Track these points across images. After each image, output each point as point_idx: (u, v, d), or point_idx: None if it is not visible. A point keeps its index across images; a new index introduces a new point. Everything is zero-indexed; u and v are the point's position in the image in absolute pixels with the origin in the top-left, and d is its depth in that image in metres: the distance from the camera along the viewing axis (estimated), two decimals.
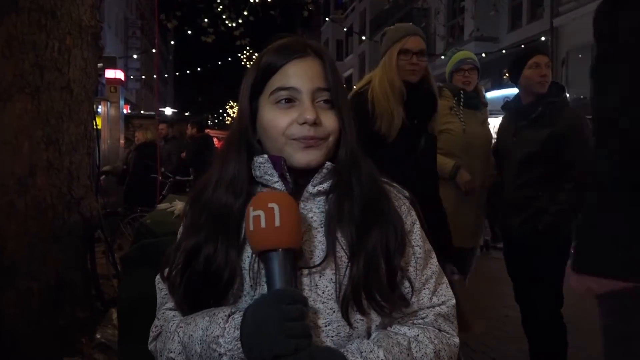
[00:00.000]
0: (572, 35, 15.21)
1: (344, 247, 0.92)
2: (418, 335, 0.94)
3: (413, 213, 1.03)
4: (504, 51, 17.46)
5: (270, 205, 0.84)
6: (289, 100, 0.95)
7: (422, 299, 0.98)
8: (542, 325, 3.04)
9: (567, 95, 11.96)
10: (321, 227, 0.95)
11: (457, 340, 1.00)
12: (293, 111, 0.94)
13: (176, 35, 28.85)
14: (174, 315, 0.98)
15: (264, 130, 0.97)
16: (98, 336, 3.20)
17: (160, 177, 6.14)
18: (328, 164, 0.96)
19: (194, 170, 7.43)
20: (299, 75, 0.95)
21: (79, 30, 3.25)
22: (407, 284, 0.95)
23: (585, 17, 14.22)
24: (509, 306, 4.86)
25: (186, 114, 31.89)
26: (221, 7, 9.64)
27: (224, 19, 9.81)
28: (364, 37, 28.26)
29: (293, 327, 0.80)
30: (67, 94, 3.20)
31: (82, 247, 3.47)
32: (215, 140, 18.34)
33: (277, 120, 0.95)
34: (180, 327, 0.92)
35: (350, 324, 0.90)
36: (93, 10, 3.39)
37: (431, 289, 0.99)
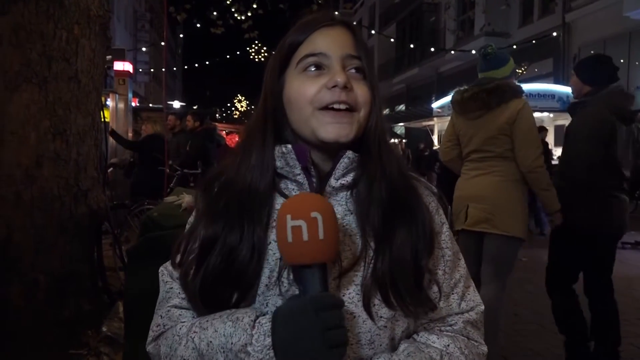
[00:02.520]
0: (584, 30, 15.04)
1: (371, 244, 0.86)
2: (449, 345, 0.89)
3: (441, 212, 0.97)
4: (514, 46, 17.31)
5: (313, 214, 0.74)
6: (318, 67, 0.88)
7: (451, 304, 0.93)
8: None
9: None
10: (342, 227, 0.87)
11: (485, 348, 0.94)
12: (322, 78, 0.87)
13: (185, 28, 28.83)
14: (180, 315, 0.90)
15: (290, 103, 0.89)
16: (104, 329, 3.18)
17: (167, 170, 6.11)
18: (349, 152, 0.88)
19: (202, 163, 7.40)
20: (327, 41, 0.88)
21: (87, 20, 3.22)
22: (435, 288, 0.89)
23: (598, 13, 14.06)
24: (519, 305, 4.81)
25: (194, 107, 31.97)
26: (230, 0, 9.61)
27: (233, 12, 9.77)
28: (373, 32, 28.11)
29: (334, 336, 0.73)
30: (74, 84, 3.17)
31: (89, 239, 3.45)
32: (222, 133, 18.38)
33: (304, 87, 0.87)
34: (194, 331, 0.83)
35: (372, 319, 0.84)
36: (101, 0, 3.36)
37: (460, 294, 0.94)
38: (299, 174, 0.88)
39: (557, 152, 14.26)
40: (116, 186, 7.70)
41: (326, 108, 0.86)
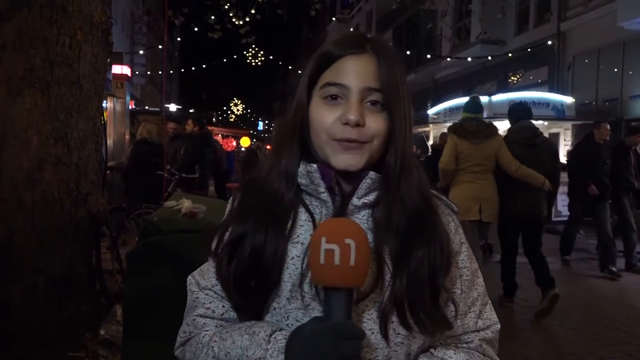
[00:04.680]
0: (578, 39, 15.17)
1: (388, 264, 0.88)
2: None
3: (461, 231, 0.98)
4: (510, 54, 17.43)
5: (347, 241, 0.77)
6: (336, 97, 0.90)
7: (468, 323, 0.95)
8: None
9: (573, 100, 12.03)
10: None
11: None
12: (338, 109, 0.89)
13: (182, 31, 28.86)
14: (205, 324, 0.94)
15: (312, 124, 0.92)
16: (102, 332, 3.20)
17: (166, 175, 6.14)
18: (372, 173, 0.90)
19: (200, 167, 7.42)
20: (350, 72, 0.90)
21: (90, 26, 3.26)
22: (452, 307, 0.91)
23: (592, 23, 14.19)
24: (510, 311, 4.87)
25: (190, 110, 31.93)
26: (228, 4, 9.64)
27: (231, 17, 9.80)
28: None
29: None
30: (76, 89, 3.21)
31: (88, 242, 3.48)
32: (218, 137, 18.37)
33: (321, 116, 0.90)
34: (215, 341, 0.88)
35: (387, 341, 0.86)
36: (104, 6, 3.40)
37: (477, 312, 0.96)
38: (323, 192, 0.91)
39: None
40: (113, 189, 7.71)
41: (337, 140, 0.89)
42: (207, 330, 0.92)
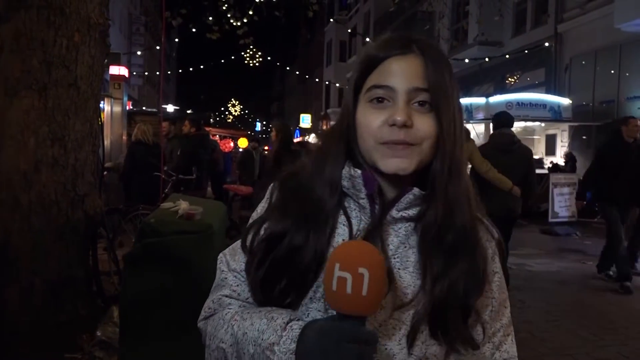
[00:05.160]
0: (575, 41, 15.22)
1: (429, 277, 0.87)
2: None
3: (497, 259, 0.96)
4: (507, 56, 17.47)
5: (360, 270, 0.75)
6: (382, 100, 0.88)
7: (484, 353, 0.93)
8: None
9: (570, 101, 12.16)
10: (394, 259, 0.89)
11: None
12: (385, 111, 0.87)
13: (180, 32, 28.86)
14: (229, 303, 0.94)
15: (359, 129, 0.90)
16: (99, 333, 3.21)
17: (163, 176, 6.14)
18: (416, 190, 0.88)
19: (197, 168, 7.42)
20: (396, 73, 0.87)
21: (87, 27, 3.26)
22: (479, 329, 0.90)
23: (589, 25, 14.24)
24: None
25: (188, 111, 31.93)
26: (226, 5, 9.65)
27: (229, 18, 9.81)
28: (367, 39, 28.26)
29: None
30: (74, 91, 3.21)
31: (85, 243, 3.48)
32: (216, 138, 18.36)
33: (368, 119, 0.88)
34: (236, 319, 0.88)
35: (409, 349, 0.87)
36: (101, 8, 3.40)
37: (495, 344, 0.95)
38: (363, 199, 0.90)
39: (549, 159, 14.41)
40: (110, 190, 7.70)
41: (386, 142, 0.87)
42: (230, 309, 0.93)
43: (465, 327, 0.87)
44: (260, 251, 0.91)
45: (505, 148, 5.18)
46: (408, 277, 0.88)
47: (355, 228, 0.90)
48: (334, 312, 0.82)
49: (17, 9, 3.03)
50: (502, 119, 5.51)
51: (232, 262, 0.98)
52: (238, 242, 0.98)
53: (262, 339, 0.83)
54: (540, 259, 7.54)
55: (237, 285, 0.95)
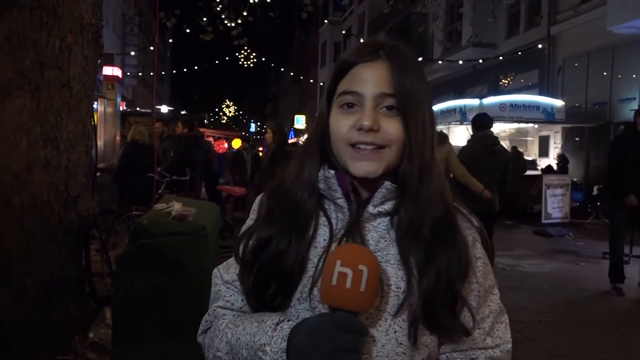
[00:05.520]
0: (568, 43, 15.31)
1: (414, 272, 0.90)
2: None
3: (478, 246, 0.98)
4: (501, 57, 17.54)
5: (360, 267, 0.80)
6: (352, 105, 0.92)
7: (475, 339, 0.93)
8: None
9: (563, 103, 12.27)
10: (376, 253, 0.91)
11: None
12: (354, 116, 0.91)
13: (174, 32, 28.80)
14: (224, 314, 0.99)
15: (332, 133, 0.95)
16: (91, 335, 3.19)
17: (156, 177, 6.12)
18: (387, 183, 0.92)
19: (190, 169, 7.40)
20: (364, 79, 0.92)
21: (80, 28, 3.26)
22: (467, 313, 0.92)
23: (582, 27, 14.32)
24: None
25: (182, 112, 31.85)
26: (220, 6, 9.64)
27: (223, 19, 9.80)
28: (362, 40, 28.27)
29: (342, 358, 0.78)
30: (66, 91, 3.20)
31: (77, 244, 3.47)
32: (210, 139, 18.31)
33: (339, 124, 0.93)
34: (229, 327, 0.93)
35: (416, 347, 0.89)
36: (94, 8, 3.40)
37: (486, 330, 0.95)
38: (340, 198, 0.94)
39: (542, 161, 14.48)
40: (103, 191, 7.67)
41: (354, 144, 0.91)
42: (224, 319, 0.97)
43: (454, 315, 0.90)
44: (250, 259, 0.95)
45: (489, 149, 5.45)
46: (390, 269, 0.90)
47: (335, 227, 0.93)
48: (320, 311, 0.86)
49: (10, 9, 3.01)
50: (485, 120, 5.69)
51: (225, 274, 1.02)
52: (232, 258, 1.02)
53: (253, 342, 0.86)
54: (533, 260, 7.58)
55: (230, 296, 0.99)
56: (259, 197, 1.05)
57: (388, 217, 0.94)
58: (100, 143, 8.69)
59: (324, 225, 0.94)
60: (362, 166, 0.90)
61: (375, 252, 0.91)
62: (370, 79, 0.91)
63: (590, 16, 13.86)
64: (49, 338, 3.14)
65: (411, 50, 0.99)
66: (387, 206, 0.93)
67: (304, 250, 0.92)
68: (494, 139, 5.60)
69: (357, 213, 0.93)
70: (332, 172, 0.94)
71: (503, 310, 0.99)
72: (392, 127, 0.90)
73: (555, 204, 9.94)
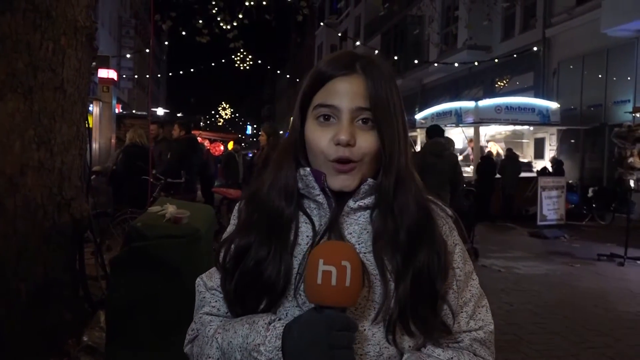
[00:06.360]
0: (563, 46, 15.38)
1: (389, 270, 0.92)
2: (452, 358, 0.93)
3: (455, 233, 1.02)
4: (496, 60, 17.60)
5: (343, 263, 0.82)
6: (328, 118, 0.94)
7: (459, 322, 0.97)
8: None
9: (558, 105, 12.59)
10: (359, 244, 0.94)
11: None
12: (331, 129, 0.93)
13: (170, 35, 28.76)
14: (210, 320, 0.99)
15: (308, 144, 0.97)
16: (85, 338, 3.18)
17: (151, 179, 6.11)
18: (370, 180, 0.94)
19: (185, 172, 7.39)
20: (340, 93, 0.94)
21: (74, 30, 3.24)
22: (448, 310, 0.94)
23: (577, 29, 14.39)
24: (496, 314, 4.90)
25: (178, 114, 31.82)
26: (216, 9, 9.63)
27: (219, 21, 9.80)
28: (358, 42, 28.33)
29: (340, 355, 0.80)
30: (60, 94, 3.19)
31: (72, 248, 3.45)
32: (206, 142, 18.27)
33: (316, 137, 0.95)
34: (219, 332, 0.93)
35: (397, 346, 0.91)
36: (88, 10, 3.38)
37: (469, 313, 0.98)
38: (319, 195, 0.96)
39: (537, 163, 14.51)
40: (98, 194, 7.65)
41: (333, 160, 0.93)
42: (212, 325, 0.97)
43: (435, 315, 0.92)
44: (232, 267, 0.96)
45: (438, 153, 6.38)
46: (372, 259, 0.93)
47: (317, 225, 0.96)
48: (309, 306, 0.87)
49: (3, 12, 3.00)
50: (437, 130, 6.81)
51: (208, 282, 1.03)
52: (214, 267, 1.03)
53: (247, 343, 0.87)
54: (528, 261, 7.59)
55: (216, 302, 1.00)
56: (238, 204, 1.06)
57: (368, 211, 0.97)
58: (95, 146, 8.67)
59: (306, 223, 0.96)
60: (339, 181, 0.93)
61: (359, 244, 0.94)
62: (346, 93, 0.93)
63: (585, 19, 13.93)
64: (43, 342, 3.12)
65: (386, 62, 1.01)
66: (367, 200, 0.96)
67: (287, 253, 0.94)
68: (443, 145, 6.56)
69: (337, 207, 0.95)
70: (308, 169, 0.96)
71: (483, 294, 1.02)
72: (367, 141, 0.93)
73: (550, 206, 9.97)
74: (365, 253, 0.93)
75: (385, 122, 0.94)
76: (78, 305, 3.55)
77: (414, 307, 0.89)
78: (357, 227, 0.96)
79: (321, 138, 0.94)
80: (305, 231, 0.96)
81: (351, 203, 0.95)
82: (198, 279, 1.05)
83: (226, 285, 0.96)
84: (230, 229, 1.04)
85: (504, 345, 4.10)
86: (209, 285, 1.02)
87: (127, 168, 6.76)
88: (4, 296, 3.05)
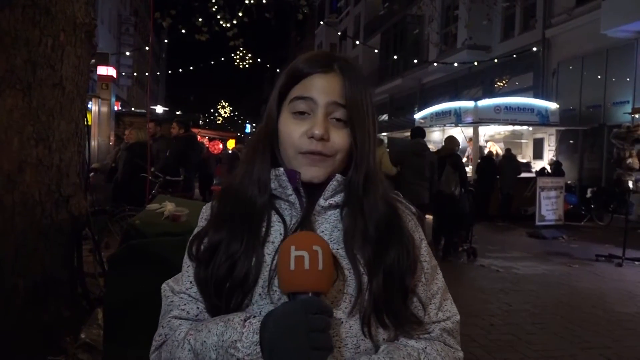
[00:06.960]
0: (563, 46, 15.38)
1: (362, 264, 0.94)
2: (426, 347, 0.96)
3: (420, 229, 1.05)
4: (495, 60, 17.60)
5: (314, 247, 0.84)
6: (303, 113, 0.97)
7: (429, 314, 1.00)
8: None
9: (557, 106, 12.66)
10: (331, 242, 0.96)
11: (461, 354, 1.02)
12: (305, 124, 0.96)
13: (169, 33, 28.73)
14: (180, 324, 0.97)
15: (281, 137, 0.99)
16: (83, 336, 3.17)
17: (150, 177, 6.10)
18: (338, 176, 0.97)
19: (185, 170, 7.39)
20: (318, 88, 0.97)
21: (73, 27, 3.23)
22: (416, 302, 0.98)
23: (576, 30, 14.39)
24: (494, 315, 4.91)
25: (177, 112, 31.80)
26: (216, 7, 9.62)
27: (219, 19, 9.78)
28: (357, 42, 28.33)
29: (318, 339, 0.80)
30: (59, 91, 3.18)
31: (70, 245, 3.45)
32: (205, 140, 18.26)
33: (290, 130, 0.97)
34: (191, 334, 0.91)
35: (372, 339, 0.92)
36: (88, 7, 3.37)
37: (437, 304, 1.02)
38: (291, 195, 0.98)
39: (536, 164, 14.53)
40: (97, 191, 7.64)
41: (304, 153, 0.96)
42: (181, 329, 0.95)
43: (406, 307, 0.96)
44: (205, 258, 0.96)
45: (419, 153, 7.18)
46: (345, 254, 0.95)
47: (289, 224, 0.97)
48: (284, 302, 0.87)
49: (1, 7, 2.99)
50: (419, 131, 7.68)
51: (176, 286, 1.02)
52: (179, 273, 1.04)
53: (222, 341, 0.85)
54: (526, 262, 7.60)
55: (185, 304, 0.99)
56: (207, 204, 1.08)
57: (338, 209, 1.00)
58: (94, 143, 8.66)
59: (278, 222, 0.98)
60: (310, 171, 0.96)
61: (331, 242, 0.95)
62: (323, 88, 0.97)
63: (584, 19, 13.93)
64: (41, 339, 3.11)
65: (359, 66, 1.06)
66: (337, 199, 0.99)
67: (259, 249, 0.95)
68: (424, 145, 7.48)
69: (309, 207, 0.98)
70: (281, 169, 0.98)
71: (446, 287, 1.06)
72: (341, 138, 0.97)
73: (549, 206, 9.97)
74: (337, 249, 0.95)
75: (358, 122, 0.97)
76: (76, 303, 3.54)
77: (387, 301, 0.92)
78: (329, 226, 0.98)
79: (294, 132, 0.96)
80: (277, 229, 0.97)
81: (322, 202, 0.98)
82: (164, 284, 1.05)
83: (200, 274, 0.96)
84: (200, 224, 1.04)
85: (503, 345, 4.10)
86: (176, 290, 1.01)
87: (133, 166, 6.79)
88: (1, 293, 3.05)
